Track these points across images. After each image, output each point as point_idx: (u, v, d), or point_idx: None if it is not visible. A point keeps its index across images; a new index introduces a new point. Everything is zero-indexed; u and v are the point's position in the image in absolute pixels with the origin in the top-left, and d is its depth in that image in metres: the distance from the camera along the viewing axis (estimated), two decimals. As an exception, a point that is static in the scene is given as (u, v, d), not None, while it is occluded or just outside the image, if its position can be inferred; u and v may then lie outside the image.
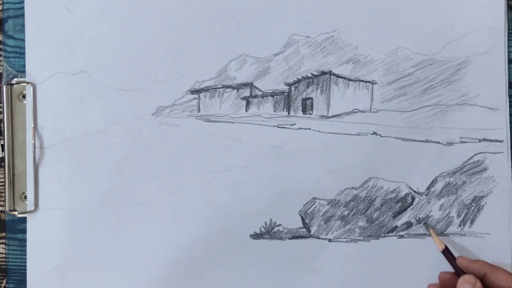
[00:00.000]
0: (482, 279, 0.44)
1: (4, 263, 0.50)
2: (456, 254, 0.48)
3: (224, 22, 0.50)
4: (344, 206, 0.50)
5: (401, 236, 0.50)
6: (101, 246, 0.49)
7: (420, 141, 0.50)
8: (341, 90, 0.50)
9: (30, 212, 0.49)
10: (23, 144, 0.50)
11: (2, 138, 0.50)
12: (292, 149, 0.50)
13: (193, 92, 0.50)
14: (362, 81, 0.50)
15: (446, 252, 0.47)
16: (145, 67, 0.50)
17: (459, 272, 0.46)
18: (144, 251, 0.49)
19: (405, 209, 0.50)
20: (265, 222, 0.49)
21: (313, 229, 0.50)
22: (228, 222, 0.49)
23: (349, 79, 0.50)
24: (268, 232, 0.49)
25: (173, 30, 0.50)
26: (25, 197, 0.50)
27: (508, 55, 0.50)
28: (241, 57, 0.50)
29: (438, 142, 0.50)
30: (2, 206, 0.50)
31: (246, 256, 0.49)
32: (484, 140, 0.49)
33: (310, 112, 0.50)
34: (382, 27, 0.50)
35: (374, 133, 0.50)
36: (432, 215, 0.50)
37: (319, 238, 0.50)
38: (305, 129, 0.50)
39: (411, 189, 0.50)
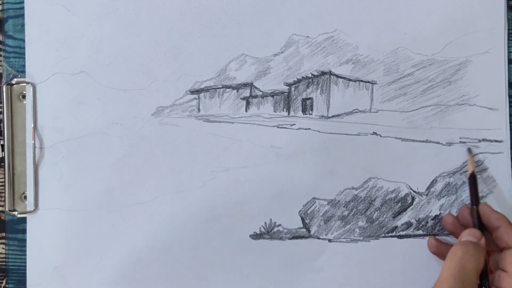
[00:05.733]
0: (493, 231, 0.44)
1: (4, 263, 0.50)
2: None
3: (224, 22, 0.50)
4: (344, 206, 0.50)
5: (401, 236, 0.50)
6: (101, 246, 0.49)
7: (420, 141, 0.50)
8: (341, 90, 0.50)
9: (30, 212, 0.49)
10: (23, 144, 0.50)
11: (2, 138, 0.50)
12: (292, 149, 0.50)
13: (193, 92, 0.50)
14: (362, 81, 0.50)
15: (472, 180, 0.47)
16: (145, 67, 0.50)
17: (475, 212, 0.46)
18: (144, 251, 0.49)
19: (405, 209, 0.50)
20: (265, 222, 0.49)
21: (313, 229, 0.50)
22: (228, 222, 0.49)
23: (349, 79, 0.50)
24: (268, 232, 0.49)
25: (173, 30, 0.50)
26: (25, 197, 0.50)
27: (508, 55, 0.50)
28: (241, 57, 0.50)
29: (438, 142, 0.50)
30: (2, 206, 0.50)
31: (246, 256, 0.49)
32: (484, 140, 0.49)
33: (310, 112, 0.50)
34: (382, 27, 0.50)
35: (374, 133, 0.50)
36: (432, 215, 0.50)
37: (319, 238, 0.50)
38: (305, 129, 0.50)
39: (411, 189, 0.50)
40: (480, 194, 0.49)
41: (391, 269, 0.49)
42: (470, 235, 0.43)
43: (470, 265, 0.40)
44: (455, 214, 0.49)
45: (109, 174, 0.49)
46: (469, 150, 0.49)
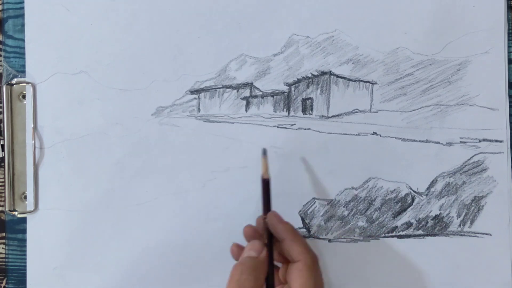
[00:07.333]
0: (281, 242, 0.41)
1: (4, 263, 0.50)
2: (451, 254, 0.48)
3: (224, 22, 0.50)
4: (344, 206, 0.50)
5: (401, 236, 0.50)
6: (101, 246, 0.49)
7: (420, 141, 0.50)
8: (341, 90, 0.50)
9: (30, 212, 0.49)
10: (23, 144, 0.50)
11: (2, 138, 0.50)
12: (292, 149, 0.50)
13: (193, 92, 0.50)
14: (362, 81, 0.50)
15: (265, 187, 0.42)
16: (145, 67, 0.50)
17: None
18: (144, 251, 0.49)
19: (405, 209, 0.50)
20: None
21: (313, 229, 0.50)
22: (228, 222, 0.49)
23: (349, 79, 0.50)
24: (268, 232, 0.49)
25: (173, 30, 0.50)
26: (25, 197, 0.50)
27: (508, 55, 0.50)
28: (241, 57, 0.50)
29: (438, 142, 0.50)
30: (2, 206, 0.50)
31: (246, 256, 0.49)
32: (484, 140, 0.49)
33: (310, 112, 0.50)
34: (382, 27, 0.50)
35: (374, 133, 0.50)
36: (432, 215, 0.50)
37: (319, 238, 0.50)
38: (305, 129, 0.50)
39: (411, 189, 0.50)
40: (480, 194, 0.49)
41: (391, 269, 0.49)
42: (251, 249, 0.41)
43: (248, 284, 0.38)
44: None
45: (109, 174, 0.49)
46: (264, 152, 0.45)
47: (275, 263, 0.42)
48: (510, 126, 0.50)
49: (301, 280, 0.39)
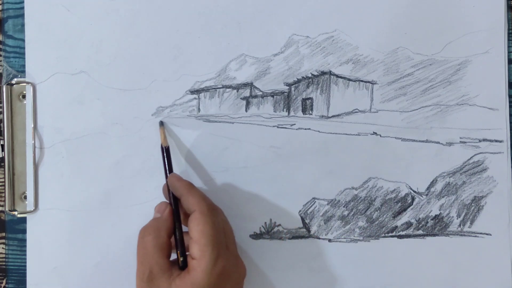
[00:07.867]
0: (181, 198, 0.44)
1: (4, 263, 0.50)
2: (450, 253, 0.48)
3: (224, 22, 0.50)
4: (344, 206, 0.50)
5: (401, 236, 0.50)
6: (101, 246, 0.49)
7: (420, 141, 0.50)
8: (341, 90, 0.50)
9: (30, 212, 0.49)
10: (23, 144, 0.50)
11: (2, 138, 0.50)
12: (292, 149, 0.50)
13: (193, 92, 0.50)
14: (362, 81, 0.50)
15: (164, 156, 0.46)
16: (145, 67, 0.50)
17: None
18: (144, 251, 0.49)
19: (405, 209, 0.50)
20: (265, 222, 0.49)
21: (313, 229, 0.50)
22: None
23: (349, 79, 0.50)
24: (268, 232, 0.49)
25: (173, 30, 0.50)
26: (25, 197, 0.50)
27: (508, 55, 0.50)
28: (241, 57, 0.50)
29: (438, 142, 0.50)
30: (2, 206, 0.50)
31: (246, 256, 0.49)
32: (484, 140, 0.49)
33: (310, 112, 0.50)
34: (382, 27, 0.50)
35: (374, 133, 0.50)
36: (432, 215, 0.50)
37: (319, 238, 0.50)
38: (305, 129, 0.50)
39: (411, 189, 0.50)
40: (480, 194, 0.49)
41: (391, 269, 0.49)
42: (156, 211, 0.44)
43: (150, 244, 0.41)
44: None
45: (109, 174, 0.49)
46: (161, 123, 0.49)
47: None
48: (510, 126, 0.50)
49: (197, 227, 0.40)
